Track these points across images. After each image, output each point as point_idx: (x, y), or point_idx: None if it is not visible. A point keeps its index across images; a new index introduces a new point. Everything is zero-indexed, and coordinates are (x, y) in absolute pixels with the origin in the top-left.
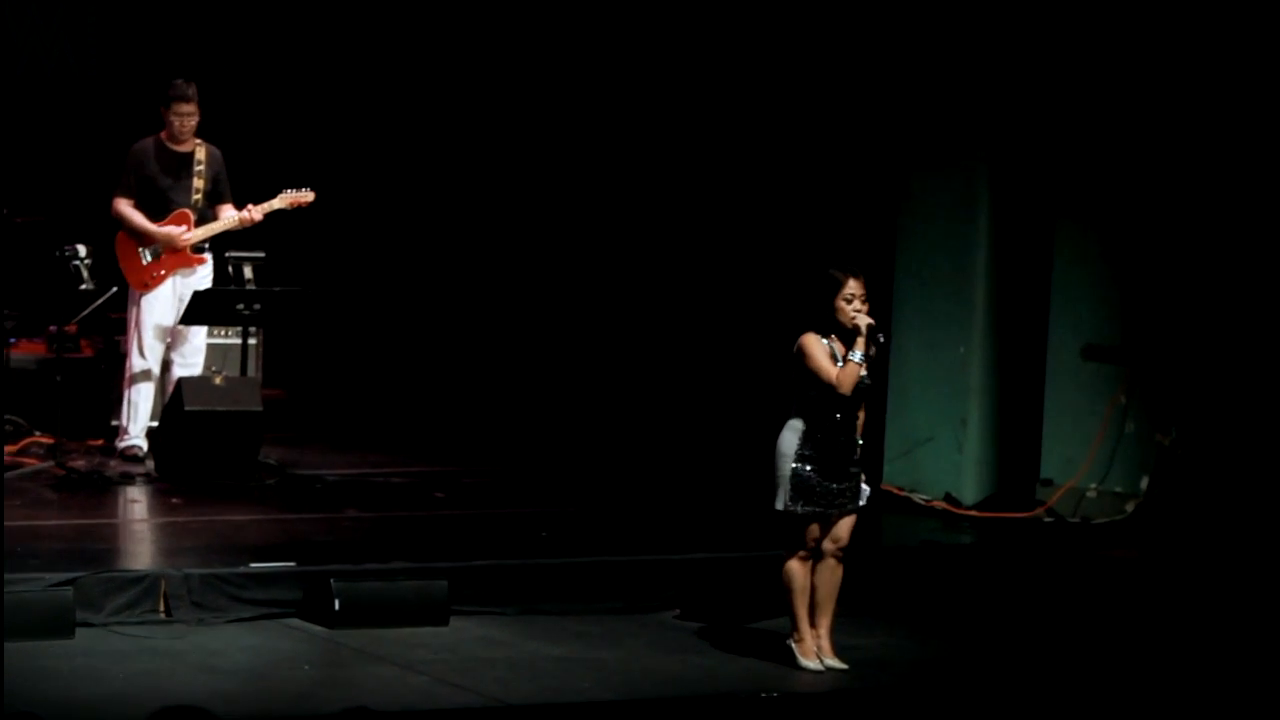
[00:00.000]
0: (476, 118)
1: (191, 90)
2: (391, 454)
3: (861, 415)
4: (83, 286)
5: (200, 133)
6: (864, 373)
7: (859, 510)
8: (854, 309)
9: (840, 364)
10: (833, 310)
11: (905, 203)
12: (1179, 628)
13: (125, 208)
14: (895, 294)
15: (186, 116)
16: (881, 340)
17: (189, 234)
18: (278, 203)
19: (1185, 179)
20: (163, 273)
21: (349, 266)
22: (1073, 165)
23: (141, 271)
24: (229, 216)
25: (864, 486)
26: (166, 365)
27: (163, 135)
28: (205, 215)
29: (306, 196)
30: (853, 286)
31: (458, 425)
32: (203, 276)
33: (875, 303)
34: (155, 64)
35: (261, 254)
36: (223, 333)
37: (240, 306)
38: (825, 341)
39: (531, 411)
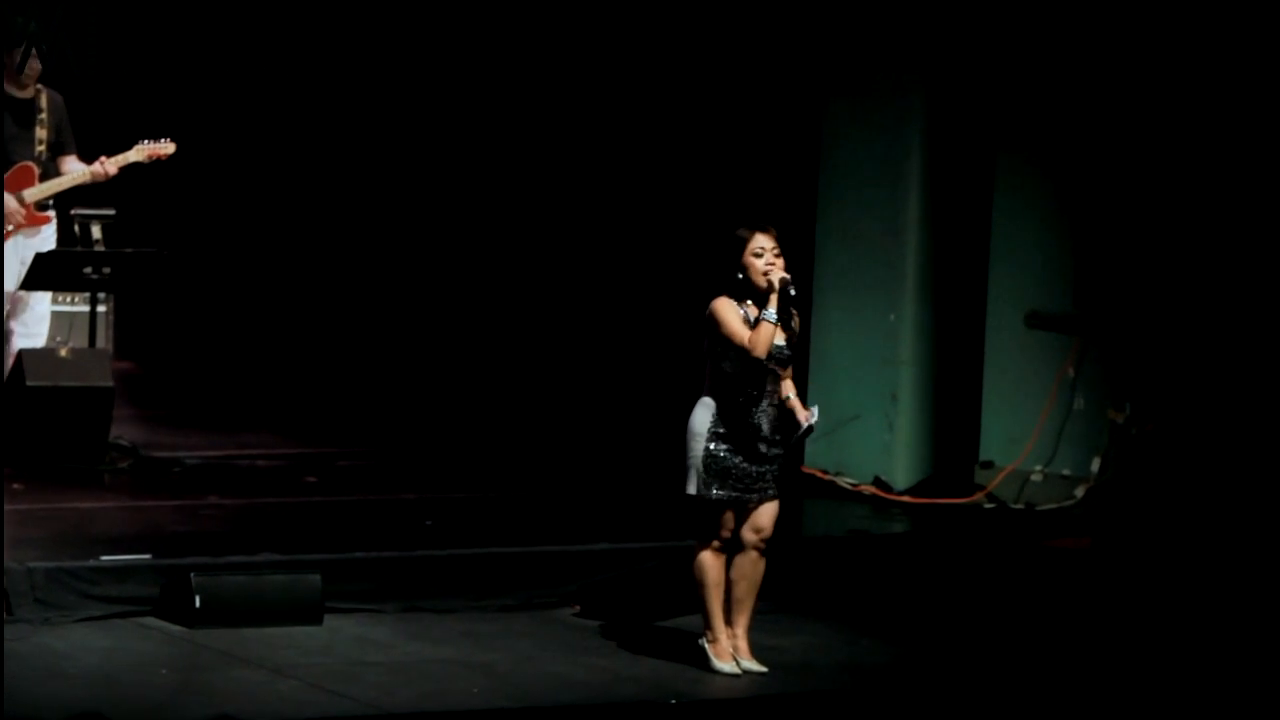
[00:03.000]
0: (340, 62)
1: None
2: (258, 434)
3: (791, 386)
4: None
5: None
6: (781, 341)
7: (780, 495)
8: (765, 263)
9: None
10: (743, 270)
11: (827, 142)
12: (1133, 625)
13: None
14: (817, 253)
15: (33, 59)
16: (794, 294)
17: (32, 191)
18: (134, 155)
19: (1142, 124)
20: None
21: (209, 225)
22: (1017, 96)
23: None
24: (77, 170)
25: (813, 408)
26: (6, 336)
27: (3, 80)
28: (49, 169)
29: (166, 148)
30: (761, 240)
31: (333, 403)
32: (46, 237)
33: (794, 264)
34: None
35: (111, 211)
36: (69, 299)
37: (88, 270)
38: (740, 308)
39: (415, 388)
